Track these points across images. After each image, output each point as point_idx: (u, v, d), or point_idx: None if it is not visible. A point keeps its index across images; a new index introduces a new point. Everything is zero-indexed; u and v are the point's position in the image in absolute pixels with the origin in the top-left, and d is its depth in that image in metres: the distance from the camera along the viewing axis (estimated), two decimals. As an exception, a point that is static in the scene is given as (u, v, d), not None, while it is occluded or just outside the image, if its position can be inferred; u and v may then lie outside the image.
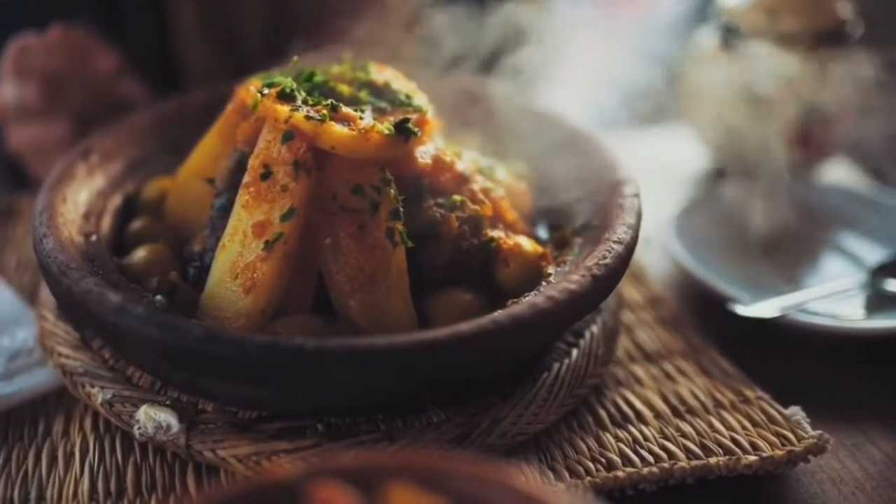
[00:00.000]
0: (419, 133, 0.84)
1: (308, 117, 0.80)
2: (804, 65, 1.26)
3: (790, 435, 0.83)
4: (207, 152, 0.92)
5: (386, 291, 0.80)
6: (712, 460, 0.80)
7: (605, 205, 0.91)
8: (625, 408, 0.88)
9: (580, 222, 0.93)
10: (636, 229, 0.86)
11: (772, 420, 0.85)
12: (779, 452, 0.80)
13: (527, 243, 0.88)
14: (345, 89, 0.89)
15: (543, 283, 0.83)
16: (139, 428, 0.79)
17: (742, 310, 0.97)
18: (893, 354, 1.00)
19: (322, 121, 0.80)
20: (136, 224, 0.95)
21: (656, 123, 1.58)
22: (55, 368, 0.87)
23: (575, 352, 0.88)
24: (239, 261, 0.79)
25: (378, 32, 1.49)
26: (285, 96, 0.82)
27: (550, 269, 0.86)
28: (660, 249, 1.15)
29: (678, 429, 0.84)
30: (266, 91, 0.83)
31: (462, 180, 0.88)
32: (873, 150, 1.32)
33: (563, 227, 0.95)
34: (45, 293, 0.96)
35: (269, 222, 0.79)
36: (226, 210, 0.84)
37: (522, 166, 1.03)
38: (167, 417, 0.79)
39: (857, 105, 1.26)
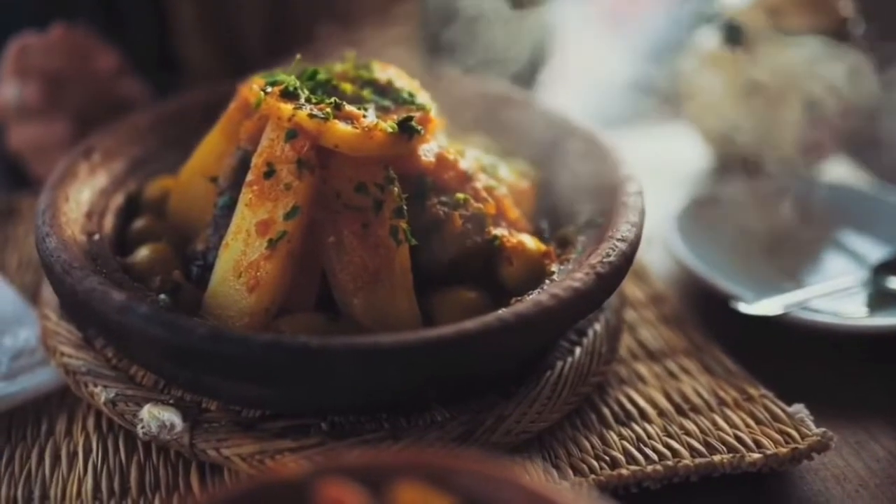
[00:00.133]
0: (422, 131, 0.84)
1: (311, 115, 0.79)
2: (806, 63, 1.26)
3: (794, 432, 0.83)
4: (210, 151, 0.92)
5: (390, 290, 0.80)
6: (716, 458, 0.80)
7: (608, 203, 0.91)
8: (628, 406, 0.88)
9: (583, 220, 0.93)
10: (640, 227, 0.86)
11: (775, 418, 0.85)
12: (783, 450, 0.80)
13: (530, 241, 0.88)
14: (348, 87, 0.89)
15: (547, 282, 0.83)
16: (143, 427, 0.79)
17: (745, 308, 0.97)
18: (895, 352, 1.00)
19: (325, 119, 0.80)
20: (139, 223, 0.95)
21: (658, 122, 1.58)
22: (58, 368, 0.87)
23: (578, 350, 0.88)
24: (242, 259, 0.79)
25: (378, 32, 1.49)
26: (289, 94, 0.82)
27: (554, 268, 0.86)
28: (662, 248, 1.15)
29: (682, 427, 0.84)
30: (269, 89, 0.83)
31: (465, 178, 0.88)
32: (874, 147, 1.32)
33: (565, 225, 0.95)
34: (47, 292, 0.95)
35: (272, 221, 0.79)
36: (229, 208, 0.84)
37: (525, 164, 1.03)
38: (171, 416, 0.79)
39: (858, 103, 1.26)
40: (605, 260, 0.80)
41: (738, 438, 0.82)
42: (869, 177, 1.40)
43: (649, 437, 0.83)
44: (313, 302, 0.82)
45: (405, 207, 0.82)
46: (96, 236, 0.89)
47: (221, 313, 0.80)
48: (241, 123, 0.88)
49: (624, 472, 0.78)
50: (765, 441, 0.82)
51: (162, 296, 0.80)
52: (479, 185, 0.89)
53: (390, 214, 0.81)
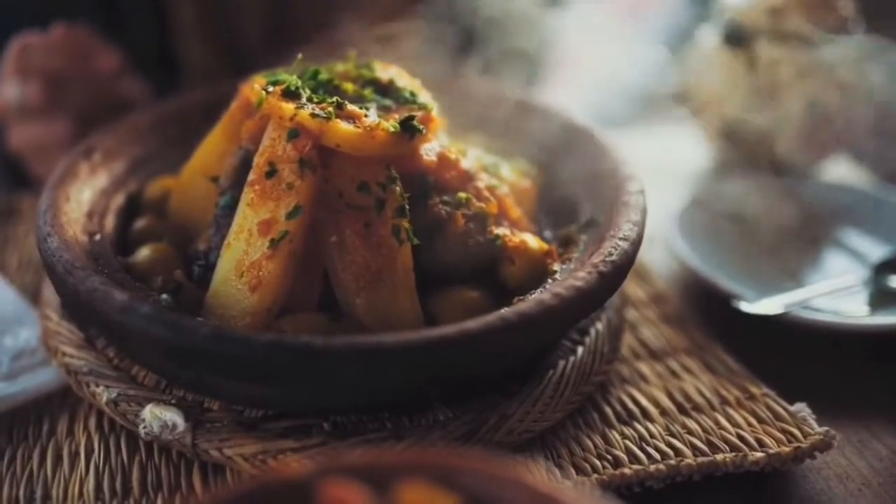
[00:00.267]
0: (424, 130, 0.83)
1: (313, 115, 0.79)
2: (807, 62, 1.26)
3: (796, 431, 0.83)
4: (211, 150, 0.92)
5: (392, 289, 0.80)
6: (719, 457, 0.80)
7: (609, 202, 0.91)
8: (630, 405, 0.88)
9: (585, 219, 0.93)
10: (641, 226, 0.86)
11: (778, 417, 0.85)
12: (785, 449, 0.80)
13: (532, 240, 0.88)
14: (349, 87, 0.89)
15: (549, 281, 0.83)
16: (145, 427, 0.79)
17: (747, 307, 0.97)
18: (897, 351, 1.00)
19: (327, 118, 0.79)
20: (140, 223, 0.95)
21: (658, 122, 1.58)
22: (59, 368, 0.87)
23: (580, 349, 0.88)
24: (244, 259, 0.79)
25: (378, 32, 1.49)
26: (290, 94, 0.82)
27: (556, 267, 0.86)
28: (663, 247, 1.15)
29: (684, 426, 0.84)
30: (271, 89, 0.83)
31: (467, 178, 0.88)
32: (875, 145, 1.32)
33: (567, 225, 0.95)
34: (48, 293, 0.95)
35: (274, 220, 0.79)
36: (230, 208, 0.84)
37: (526, 164, 1.03)
38: (173, 416, 0.78)
39: (858, 102, 1.26)
40: (607, 259, 0.80)
41: (740, 437, 0.82)
42: (870, 176, 1.40)
43: (652, 436, 0.83)
44: (315, 302, 0.82)
45: (407, 207, 0.82)
46: (97, 236, 0.89)
47: (223, 313, 0.80)
48: (243, 123, 0.88)
49: (627, 471, 0.78)
50: (767, 440, 0.82)
51: (164, 296, 0.80)
52: (480, 184, 0.89)
53: (392, 214, 0.81)
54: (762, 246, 1.17)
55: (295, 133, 0.80)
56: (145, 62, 1.39)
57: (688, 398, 0.89)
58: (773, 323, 0.98)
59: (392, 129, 0.81)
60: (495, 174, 0.94)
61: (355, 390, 0.77)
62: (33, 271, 1.09)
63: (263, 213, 0.79)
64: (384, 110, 0.87)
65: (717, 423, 0.85)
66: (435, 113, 0.88)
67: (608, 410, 0.87)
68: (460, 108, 1.06)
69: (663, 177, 1.35)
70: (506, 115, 1.11)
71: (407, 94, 0.89)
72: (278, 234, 0.78)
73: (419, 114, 0.85)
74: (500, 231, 0.87)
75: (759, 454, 0.80)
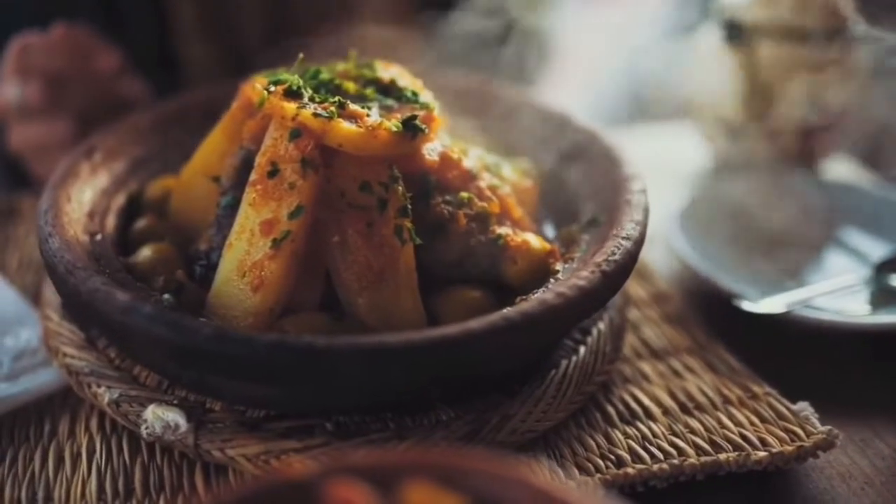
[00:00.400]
0: (426, 130, 0.83)
1: (315, 115, 0.79)
2: (807, 61, 1.26)
3: (799, 430, 0.83)
4: (213, 150, 0.92)
5: (395, 289, 0.80)
6: (722, 456, 0.80)
7: (612, 201, 0.91)
8: (633, 405, 0.88)
9: (586, 219, 0.93)
10: (644, 225, 0.86)
11: (780, 416, 0.85)
12: (788, 448, 0.80)
13: (534, 240, 0.88)
14: (351, 87, 0.89)
15: (552, 280, 0.83)
16: (147, 428, 0.78)
17: (748, 306, 0.97)
18: (899, 350, 1.00)
19: (330, 118, 0.79)
20: (141, 223, 0.95)
21: (658, 121, 1.58)
22: (60, 368, 0.87)
23: (582, 349, 0.88)
24: (246, 259, 0.79)
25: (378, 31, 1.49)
26: (292, 93, 0.82)
27: (558, 266, 0.86)
28: (663, 246, 1.15)
29: (687, 425, 0.84)
30: (272, 88, 0.82)
31: (469, 177, 0.88)
32: (875, 144, 1.33)
33: (569, 224, 0.95)
34: (49, 293, 0.95)
35: (276, 220, 0.78)
36: (232, 208, 0.84)
37: (528, 163, 1.03)
38: (175, 417, 0.78)
39: (859, 100, 1.26)
40: (610, 258, 0.80)
41: (743, 437, 0.82)
42: (870, 174, 1.40)
43: (654, 435, 0.83)
44: (318, 302, 0.82)
45: (409, 206, 0.82)
46: (98, 236, 0.89)
47: (225, 313, 0.80)
48: (244, 123, 0.88)
49: (630, 470, 0.78)
50: (770, 439, 0.82)
51: (165, 296, 0.80)
52: (482, 183, 0.89)
53: (395, 213, 0.81)
54: (763, 245, 1.17)
55: (297, 133, 0.79)
56: (145, 62, 1.39)
57: (690, 397, 0.88)
58: (775, 322, 0.98)
59: (394, 129, 0.81)
60: (497, 174, 0.94)
61: (358, 390, 0.77)
62: (34, 271, 1.09)
63: (265, 213, 0.79)
64: (386, 110, 0.86)
65: (719, 422, 0.85)
66: (437, 112, 0.88)
67: (611, 410, 0.87)
68: (462, 107, 1.06)
69: (663, 176, 1.35)
70: (506, 115, 1.11)
71: (409, 94, 0.89)
72: (280, 234, 0.78)
73: (421, 113, 0.85)
74: (502, 231, 0.87)
75: (762, 453, 0.80)
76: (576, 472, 0.79)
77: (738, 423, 0.84)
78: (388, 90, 0.90)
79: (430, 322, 0.82)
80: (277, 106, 0.81)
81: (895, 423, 0.89)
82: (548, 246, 0.88)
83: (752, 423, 0.84)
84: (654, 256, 1.14)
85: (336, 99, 0.82)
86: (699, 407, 0.87)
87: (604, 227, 0.88)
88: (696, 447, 0.81)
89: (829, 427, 0.82)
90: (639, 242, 0.84)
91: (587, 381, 0.86)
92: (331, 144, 0.80)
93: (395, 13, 1.51)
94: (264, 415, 0.79)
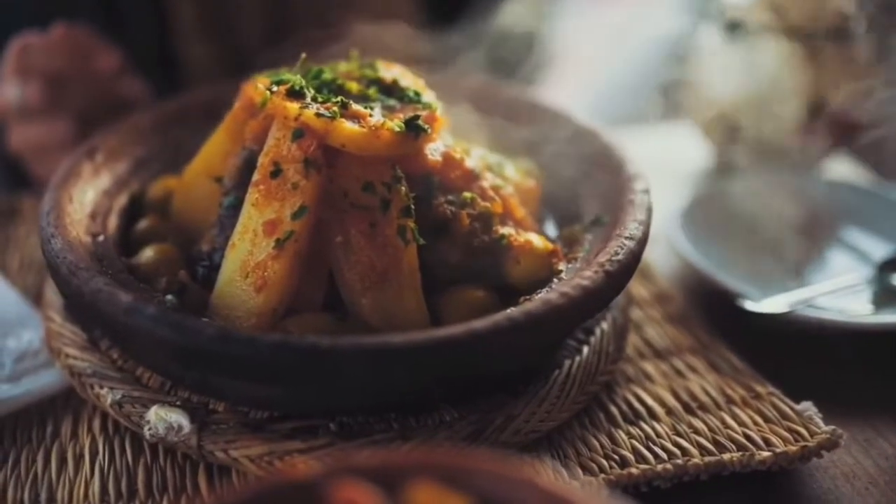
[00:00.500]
0: (429, 130, 0.83)
1: (318, 115, 0.79)
2: (808, 60, 1.26)
3: (803, 430, 0.83)
4: (215, 150, 0.91)
5: (398, 289, 0.79)
6: (726, 456, 0.80)
7: (614, 201, 0.91)
8: (636, 405, 0.87)
9: (589, 219, 0.93)
10: (647, 225, 0.86)
11: (784, 416, 0.85)
12: (792, 448, 0.80)
13: (537, 240, 0.88)
14: (353, 87, 0.89)
15: (555, 280, 0.83)
16: (150, 429, 0.78)
17: (751, 305, 0.97)
18: (902, 349, 1.00)
19: (332, 118, 0.79)
20: (143, 224, 0.95)
21: (658, 121, 1.58)
22: (63, 370, 0.87)
23: (586, 349, 0.88)
24: (249, 259, 0.79)
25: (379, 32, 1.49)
26: (295, 94, 0.82)
27: (561, 266, 0.86)
28: (665, 246, 1.15)
29: (690, 425, 0.84)
30: (275, 88, 0.82)
31: (472, 177, 0.88)
32: (877, 143, 1.32)
33: (571, 224, 0.95)
34: (50, 294, 0.95)
35: (279, 220, 0.78)
36: (235, 208, 0.83)
37: (530, 163, 1.03)
38: (178, 418, 0.78)
39: (860, 99, 1.26)
40: (613, 258, 0.80)
41: (747, 437, 0.82)
42: (871, 174, 1.40)
43: (658, 435, 0.83)
44: (321, 302, 0.82)
45: (413, 206, 0.81)
46: (101, 237, 0.89)
47: (228, 314, 0.79)
48: (247, 123, 0.87)
49: (634, 471, 0.78)
50: (774, 439, 0.81)
51: (168, 297, 0.80)
52: (485, 183, 0.89)
53: (398, 214, 0.80)
54: (765, 245, 1.17)
55: (300, 133, 0.79)
56: (145, 62, 1.39)
57: (693, 397, 0.88)
58: (778, 322, 0.98)
59: (397, 129, 0.80)
60: (500, 174, 0.94)
61: (362, 391, 0.77)
62: (35, 272, 1.08)
63: (268, 214, 0.79)
64: (389, 110, 0.86)
65: (723, 422, 0.84)
66: (439, 112, 0.88)
67: (614, 410, 0.87)
68: (464, 107, 1.05)
69: (664, 176, 1.35)
70: (508, 114, 1.11)
71: (411, 94, 0.89)
72: (283, 235, 0.78)
73: (424, 113, 0.85)
74: (505, 231, 0.87)
75: (765, 453, 0.80)
76: (580, 472, 0.79)
77: (741, 423, 0.84)
78: (391, 90, 0.90)
79: (434, 322, 0.81)
80: (280, 106, 0.80)
81: (898, 422, 0.89)
82: (551, 246, 0.88)
83: (755, 423, 0.84)
84: (656, 256, 1.14)
85: (339, 99, 0.82)
86: (703, 407, 0.87)
87: (607, 226, 0.88)
88: (700, 447, 0.81)
89: (832, 427, 0.82)
90: (642, 242, 0.84)
91: (591, 381, 0.86)
92: (334, 144, 0.80)
93: (394, 15, 1.51)
94: (268, 416, 0.79)
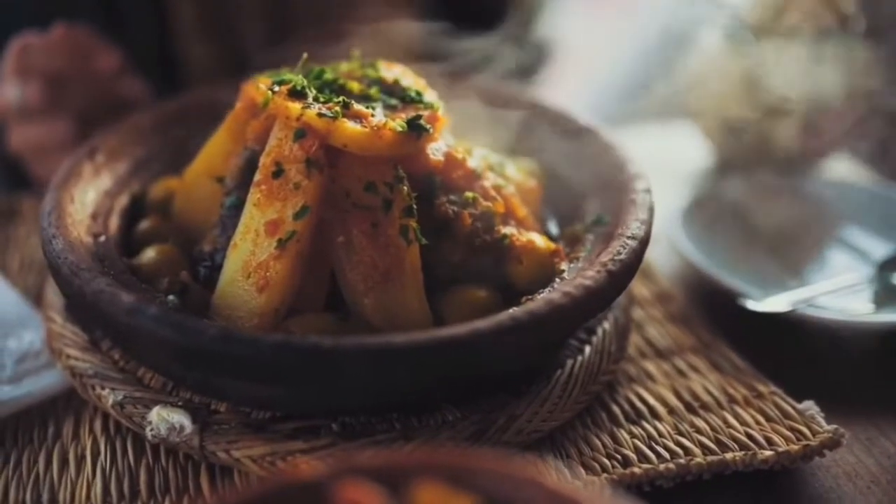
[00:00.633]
0: (431, 130, 0.83)
1: (320, 115, 0.79)
2: (808, 59, 1.26)
3: (805, 429, 0.83)
4: (216, 151, 0.91)
5: (400, 289, 0.79)
6: (728, 456, 0.80)
7: (616, 200, 0.91)
8: (638, 404, 0.87)
9: (591, 218, 0.93)
10: (649, 225, 0.86)
11: (786, 415, 0.85)
12: (794, 447, 0.80)
13: (539, 240, 0.88)
14: (355, 86, 0.88)
15: (557, 280, 0.83)
16: (152, 429, 0.78)
17: (752, 305, 0.97)
18: (903, 348, 1.00)
19: (334, 118, 0.79)
20: (144, 224, 0.94)
21: (658, 120, 1.58)
22: (64, 371, 0.87)
23: (588, 349, 0.87)
24: (251, 259, 0.79)
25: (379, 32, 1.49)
26: (296, 93, 0.82)
27: (563, 266, 0.86)
28: (666, 245, 1.15)
29: (692, 424, 0.84)
30: (277, 88, 0.82)
31: (474, 177, 0.88)
32: (877, 142, 1.33)
33: (573, 224, 0.95)
34: (51, 295, 0.95)
35: (281, 220, 0.78)
36: (236, 209, 0.83)
37: (532, 163, 1.03)
38: (180, 418, 0.78)
39: (860, 99, 1.27)
40: (616, 258, 0.80)
41: (749, 436, 0.82)
42: (871, 173, 1.40)
43: (660, 435, 0.83)
44: (323, 302, 0.82)
45: (414, 206, 0.81)
46: (102, 237, 0.88)
47: (230, 314, 0.79)
48: (248, 123, 0.87)
49: (637, 470, 0.78)
50: (776, 438, 0.82)
51: (170, 297, 0.80)
52: (487, 183, 0.89)
53: (400, 213, 0.80)
54: (766, 244, 1.17)
55: (302, 133, 0.79)
56: (145, 62, 1.39)
57: (695, 397, 0.88)
58: (779, 321, 0.98)
59: (399, 129, 0.80)
60: (501, 173, 0.94)
61: (364, 391, 0.76)
62: (35, 273, 1.08)
63: (270, 214, 0.79)
64: (390, 109, 0.86)
65: (725, 421, 0.84)
66: (441, 112, 0.88)
67: (616, 410, 0.87)
68: (464, 107, 1.05)
69: (664, 175, 1.35)
70: (509, 114, 1.11)
71: (413, 94, 0.89)
72: (286, 235, 0.78)
73: (426, 113, 0.84)
74: (507, 230, 0.87)
75: (768, 452, 0.80)
76: (582, 471, 0.79)
77: (743, 423, 0.84)
78: (392, 90, 0.90)
79: (436, 322, 0.81)
80: (282, 106, 0.80)
81: (900, 421, 0.90)
82: (553, 245, 0.88)
83: (757, 423, 0.84)
84: (657, 256, 1.14)
85: (340, 99, 0.82)
86: (705, 406, 0.87)
87: (609, 226, 0.88)
88: (703, 446, 0.81)
89: (834, 426, 0.82)
90: (644, 242, 0.84)
91: (593, 380, 0.86)
92: (336, 144, 0.79)
93: (394, 16, 1.51)
94: (270, 416, 0.79)
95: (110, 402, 0.81)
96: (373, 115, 0.82)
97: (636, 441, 0.82)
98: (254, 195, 0.80)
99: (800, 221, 1.21)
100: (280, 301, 0.78)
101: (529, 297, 0.80)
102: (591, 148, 1.01)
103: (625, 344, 0.92)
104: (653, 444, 0.82)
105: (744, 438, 0.82)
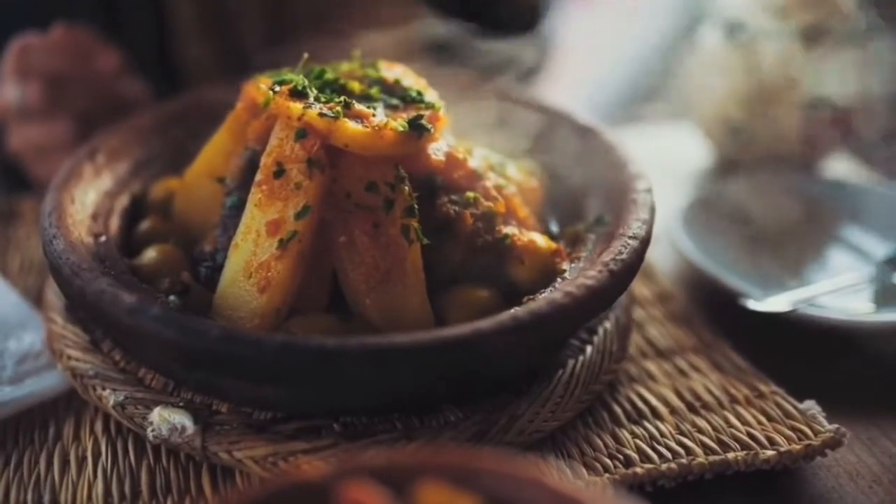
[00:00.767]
0: (432, 130, 0.83)
1: (321, 114, 0.79)
2: (808, 59, 1.26)
3: (806, 429, 0.83)
4: (217, 151, 0.91)
5: (402, 289, 0.79)
6: (730, 455, 0.80)
7: (617, 200, 0.91)
8: (640, 404, 0.87)
9: (592, 218, 0.93)
10: (650, 224, 0.86)
11: (787, 415, 0.85)
12: (796, 447, 0.80)
13: (541, 240, 0.88)
14: (356, 86, 0.88)
15: (558, 280, 0.83)
16: (153, 430, 0.78)
17: (753, 304, 0.97)
18: (903, 348, 1.00)
19: (335, 118, 0.79)
20: (145, 224, 0.94)
21: (659, 120, 1.58)
22: (65, 371, 0.86)
23: (589, 348, 0.87)
24: (253, 260, 0.79)
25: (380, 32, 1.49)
26: (297, 93, 0.82)
27: (565, 266, 0.86)
28: (666, 245, 1.15)
29: (694, 424, 0.84)
30: (278, 88, 0.82)
31: (475, 177, 0.88)
32: (877, 142, 1.33)
33: (574, 223, 0.95)
34: (52, 295, 0.95)
35: (283, 220, 0.78)
36: (237, 209, 0.83)
37: (533, 163, 1.03)
38: (182, 419, 0.78)
39: (861, 98, 1.27)
40: (617, 258, 0.80)
41: (751, 436, 0.82)
42: (872, 172, 1.41)
43: (662, 435, 0.83)
44: (324, 302, 0.82)
45: (416, 206, 0.81)
46: (103, 238, 0.88)
47: (232, 314, 0.79)
48: (249, 123, 0.87)
49: (639, 470, 0.78)
50: (778, 438, 0.82)
51: (171, 297, 0.80)
52: (488, 183, 0.89)
53: (401, 213, 0.80)
54: (767, 244, 1.17)
55: (303, 133, 0.79)
56: (145, 62, 1.38)
57: (697, 397, 0.88)
58: (780, 321, 0.98)
59: (400, 129, 0.80)
60: (502, 174, 0.94)
61: (366, 391, 0.76)
62: (35, 274, 1.08)
63: (271, 214, 0.79)
64: (391, 109, 0.86)
65: (727, 421, 0.84)
66: (442, 112, 0.87)
67: (618, 409, 0.87)
68: (464, 107, 1.05)
69: (665, 175, 1.35)
70: (509, 114, 1.11)
71: (414, 93, 0.88)
72: (287, 235, 0.78)
73: (427, 113, 0.84)
74: (508, 230, 0.87)
75: (770, 452, 0.80)
76: (584, 471, 0.79)
77: (745, 423, 0.84)
78: (393, 90, 0.90)
79: (438, 322, 0.81)
80: (283, 106, 0.80)
81: (901, 420, 0.90)
82: (554, 245, 0.88)
83: (759, 422, 0.84)
84: (658, 256, 1.14)
85: (341, 99, 0.82)
86: (706, 406, 0.87)
87: (610, 226, 0.88)
88: (704, 446, 0.81)
89: (836, 425, 0.82)
90: (645, 241, 0.84)
91: (594, 380, 0.86)
92: (337, 144, 0.79)
93: (394, 17, 1.51)
94: (271, 416, 0.79)
95: (111, 402, 0.81)
96: (374, 115, 0.81)
97: (638, 441, 0.82)
98: (255, 195, 0.80)
99: (800, 221, 1.21)
100: (281, 301, 0.78)
101: (531, 296, 0.80)
102: (592, 148, 1.01)
103: (626, 344, 0.92)
104: (654, 443, 0.82)
105: (745, 438, 0.82)
